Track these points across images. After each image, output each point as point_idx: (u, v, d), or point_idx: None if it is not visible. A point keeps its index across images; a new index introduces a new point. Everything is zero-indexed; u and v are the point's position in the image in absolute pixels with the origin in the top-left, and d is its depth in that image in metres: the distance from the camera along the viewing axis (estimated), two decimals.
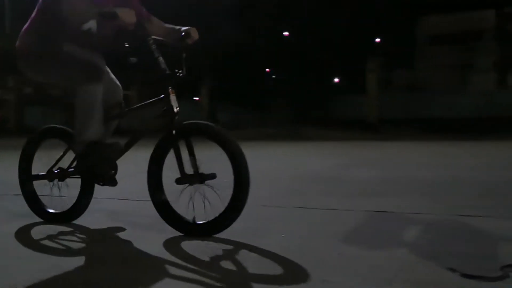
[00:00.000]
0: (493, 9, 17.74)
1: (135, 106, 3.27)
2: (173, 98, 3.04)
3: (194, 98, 23.10)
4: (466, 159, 7.73)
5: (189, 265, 2.52)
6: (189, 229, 3.02)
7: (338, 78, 23.04)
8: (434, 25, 21.04)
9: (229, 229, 3.01)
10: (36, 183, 3.63)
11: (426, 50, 21.50)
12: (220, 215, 2.94)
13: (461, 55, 19.39)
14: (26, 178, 3.61)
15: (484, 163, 7.00)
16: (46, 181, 3.51)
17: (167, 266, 2.50)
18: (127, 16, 2.91)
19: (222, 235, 3.01)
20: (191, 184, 2.99)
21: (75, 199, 3.50)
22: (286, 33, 22.46)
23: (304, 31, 20.03)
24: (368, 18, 17.65)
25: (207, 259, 2.63)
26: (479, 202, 4.02)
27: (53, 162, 3.49)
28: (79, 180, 3.46)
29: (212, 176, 2.96)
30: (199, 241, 2.93)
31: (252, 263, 2.53)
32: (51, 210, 3.55)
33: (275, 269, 2.42)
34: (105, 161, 3.24)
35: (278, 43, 21.26)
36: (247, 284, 2.23)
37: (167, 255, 2.69)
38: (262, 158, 8.85)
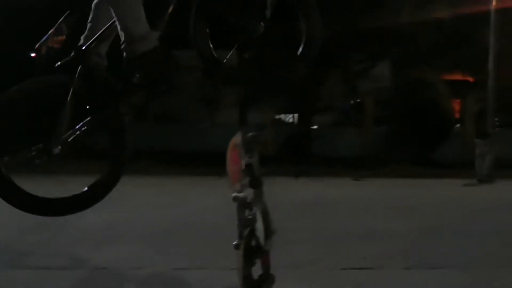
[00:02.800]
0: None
1: None
2: None
3: None
4: (205, 198, 8.09)
5: None
6: None
7: None
8: (190, 58, 21.98)
9: None
10: None
11: (182, 81, 22.20)
12: None
13: (212, 88, 20.44)
14: None
15: (218, 203, 7.40)
16: None
17: None
18: None
19: None
20: None
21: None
22: None
23: None
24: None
25: None
26: (200, 251, 4.18)
27: None
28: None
29: None
30: None
31: None
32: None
33: None
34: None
35: None
36: None
37: None
38: None
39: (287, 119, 18.64)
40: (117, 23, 2.56)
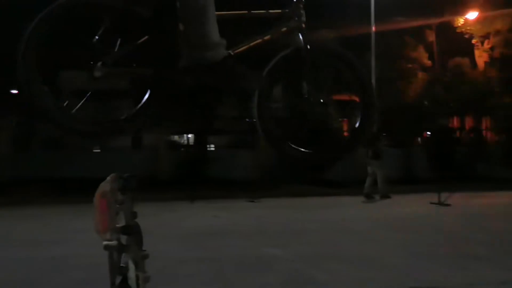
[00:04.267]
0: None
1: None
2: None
3: None
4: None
5: None
6: None
7: None
8: (73, 80, 21.25)
9: None
10: None
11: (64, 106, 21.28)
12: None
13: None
14: None
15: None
16: None
17: None
18: None
19: None
20: None
21: None
22: None
23: None
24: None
25: None
26: None
27: None
28: None
29: None
30: None
31: None
32: None
33: None
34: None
35: None
36: None
37: None
38: None
39: (182, 140, 18.50)
40: (188, 26, 2.39)
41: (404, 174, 15.52)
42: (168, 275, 4.77)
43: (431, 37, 19.00)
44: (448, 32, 18.73)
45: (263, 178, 14.47)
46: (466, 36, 18.81)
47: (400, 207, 10.12)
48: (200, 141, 16.72)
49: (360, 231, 7.24)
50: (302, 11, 2.57)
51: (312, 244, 6.20)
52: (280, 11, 2.54)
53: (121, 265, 2.40)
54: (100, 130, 2.43)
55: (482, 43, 18.84)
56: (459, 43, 18.68)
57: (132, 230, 2.46)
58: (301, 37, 2.54)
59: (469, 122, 17.66)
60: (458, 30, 18.73)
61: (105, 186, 2.43)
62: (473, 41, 18.66)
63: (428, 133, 17.95)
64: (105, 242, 2.46)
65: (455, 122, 17.90)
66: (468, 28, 18.57)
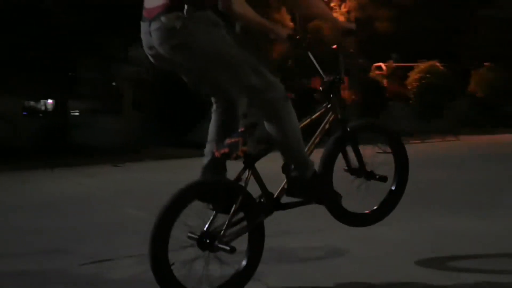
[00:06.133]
0: None
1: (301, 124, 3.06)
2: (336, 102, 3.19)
3: None
4: None
5: None
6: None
7: None
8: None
9: None
10: None
11: None
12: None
13: None
14: None
15: None
16: None
17: None
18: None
19: None
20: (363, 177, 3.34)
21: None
22: None
23: None
24: None
25: None
26: None
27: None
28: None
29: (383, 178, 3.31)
30: None
31: None
32: None
33: None
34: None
35: None
36: None
37: None
38: None
39: (39, 106, 17.36)
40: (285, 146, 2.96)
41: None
42: (18, 247, 4.59)
43: None
44: None
45: (128, 142, 14.19)
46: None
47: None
48: (60, 106, 15.82)
49: None
50: (337, 103, 3.19)
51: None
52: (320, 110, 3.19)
53: None
54: None
55: (340, 6, 19.76)
56: None
57: None
58: (340, 123, 3.18)
59: None
60: None
61: None
62: (331, 4, 19.49)
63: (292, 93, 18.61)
64: None
65: (316, 82, 18.71)
66: None
